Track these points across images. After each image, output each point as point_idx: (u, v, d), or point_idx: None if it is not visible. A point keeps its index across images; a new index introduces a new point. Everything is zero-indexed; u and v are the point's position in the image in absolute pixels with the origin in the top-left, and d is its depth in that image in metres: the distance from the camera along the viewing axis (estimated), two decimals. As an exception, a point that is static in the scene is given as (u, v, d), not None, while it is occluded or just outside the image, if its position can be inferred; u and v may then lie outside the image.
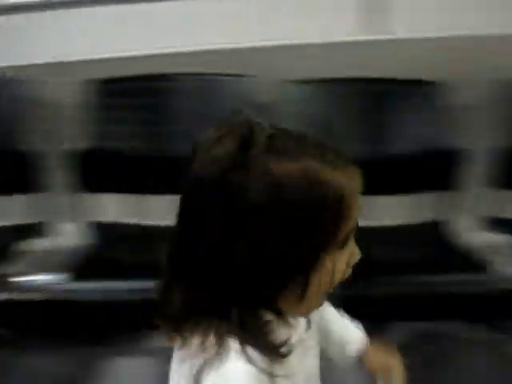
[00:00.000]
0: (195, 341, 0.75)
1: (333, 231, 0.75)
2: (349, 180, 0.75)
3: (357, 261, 0.82)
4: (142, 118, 2.15)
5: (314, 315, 0.89)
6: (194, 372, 0.74)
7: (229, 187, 0.72)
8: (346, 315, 1.12)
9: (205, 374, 0.73)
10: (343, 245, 0.77)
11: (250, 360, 0.72)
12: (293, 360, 0.77)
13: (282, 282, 0.75)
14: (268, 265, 0.73)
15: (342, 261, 0.79)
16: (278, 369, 0.74)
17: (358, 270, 0.82)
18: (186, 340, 0.77)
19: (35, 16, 2.15)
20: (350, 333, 1.10)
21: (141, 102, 2.15)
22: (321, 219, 0.73)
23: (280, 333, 0.77)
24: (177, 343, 0.80)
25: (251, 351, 0.73)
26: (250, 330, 0.74)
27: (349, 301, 1.16)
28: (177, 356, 0.82)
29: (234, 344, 0.73)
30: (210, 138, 0.74)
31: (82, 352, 2.03)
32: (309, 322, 0.88)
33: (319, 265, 0.75)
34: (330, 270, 0.77)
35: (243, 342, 0.73)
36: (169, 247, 0.79)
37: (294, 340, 0.79)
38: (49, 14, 2.15)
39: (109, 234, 2.20)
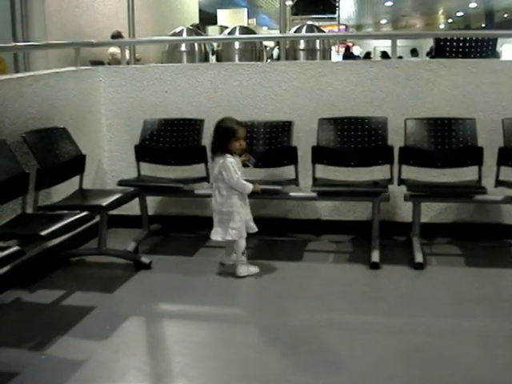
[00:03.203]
0: (217, 159, 4.00)
1: (236, 136, 3.97)
2: (239, 128, 4.00)
3: (244, 147, 4.06)
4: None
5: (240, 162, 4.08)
6: (219, 166, 3.98)
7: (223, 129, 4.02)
8: None
9: (225, 162, 3.94)
10: (237, 140, 3.97)
11: (231, 157, 3.96)
12: (239, 165, 4.04)
13: (228, 145, 3.97)
14: (225, 142, 3.97)
15: (237, 145, 3.98)
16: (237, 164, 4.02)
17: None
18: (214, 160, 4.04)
19: None
20: None
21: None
22: (234, 134, 3.96)
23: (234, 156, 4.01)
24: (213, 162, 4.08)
25: (231, 157, 3.97)
26: (230, 153, 3.96)
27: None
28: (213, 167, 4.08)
29: (229, 156, 3.95)
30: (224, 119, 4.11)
31: None
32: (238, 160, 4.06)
33: (232, 143, 3.96)
34: (236, 145, 3.98)
35: (230, 154, 3.97)
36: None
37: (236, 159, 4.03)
38: None
39: None
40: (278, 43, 12.13)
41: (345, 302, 3.69)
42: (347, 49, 17.37)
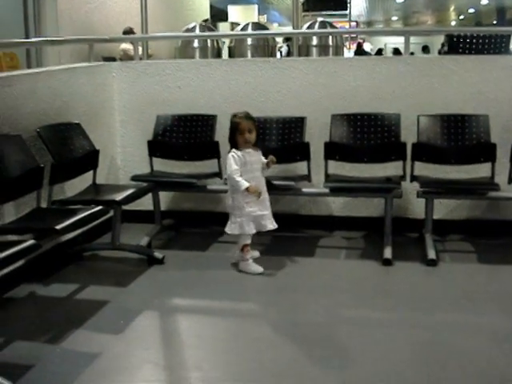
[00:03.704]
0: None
1: (239, 130, 3.99)
2: (242, 121, 4.00)
3: (249, 140, 4.00)
4: None
5: (254, 156, 4.06)
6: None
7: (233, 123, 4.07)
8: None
9: (228, 155, 4.03)
10: (240, 134, 3.98)
11: (235, 151, 4.00)
12: (246, 159, 3.99)
13: (235, 139, 4.01)
14: (232, 136, 4.04)
15: (241, 139, 3.99)
16: (243, 158, 3.99)
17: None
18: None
19: None
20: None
21: None
22: (237, 127, 4.00)
23: (241, 150, 4.01)
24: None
25: (237, 150, 4.00)
26: (235, 147, 4.02)
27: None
28: None
29: (234, 150, 4.00)
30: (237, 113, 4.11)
31: None
32: (248, 153, 4.03)
33: (237, 136, 4.00)
34: (240, 139, 3.99)
35: (235, 148, 4.02)
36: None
37: (244, 153, 4.02)
38: None
39: None
40: (286, 40, 12.17)
41: (357, 297, 3.70)
42: (359, 46, 17.33)
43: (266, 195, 4.08)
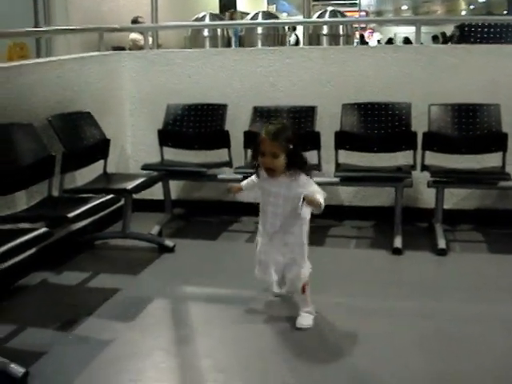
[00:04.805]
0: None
1: (260, 150, 2.96)
2: (266, 141, 2.94)
3: (269, 166, 2.97)
4: None
5: (276, 187, 3.04)
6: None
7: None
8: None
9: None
10: (261, 155, 2.97)
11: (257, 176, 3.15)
12: (265, 187, 3.08)
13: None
14: (256, 152, 3.02)
15: (261, 162, 3.00)
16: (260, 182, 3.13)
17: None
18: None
19: None
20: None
21: None
22: (259, 145, 2.98)
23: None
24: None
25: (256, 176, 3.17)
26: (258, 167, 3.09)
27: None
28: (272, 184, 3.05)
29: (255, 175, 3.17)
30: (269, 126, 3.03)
31: None
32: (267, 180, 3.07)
33: (259, 156, 2.99)
34: (260, 162, 3.00)
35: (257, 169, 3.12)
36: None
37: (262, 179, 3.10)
38: None
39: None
40: (293, 29, 12.14)
41: (367, 286, 3.70)
42: (362, 37, 17.30)
43: (274, 239, 3.18)
